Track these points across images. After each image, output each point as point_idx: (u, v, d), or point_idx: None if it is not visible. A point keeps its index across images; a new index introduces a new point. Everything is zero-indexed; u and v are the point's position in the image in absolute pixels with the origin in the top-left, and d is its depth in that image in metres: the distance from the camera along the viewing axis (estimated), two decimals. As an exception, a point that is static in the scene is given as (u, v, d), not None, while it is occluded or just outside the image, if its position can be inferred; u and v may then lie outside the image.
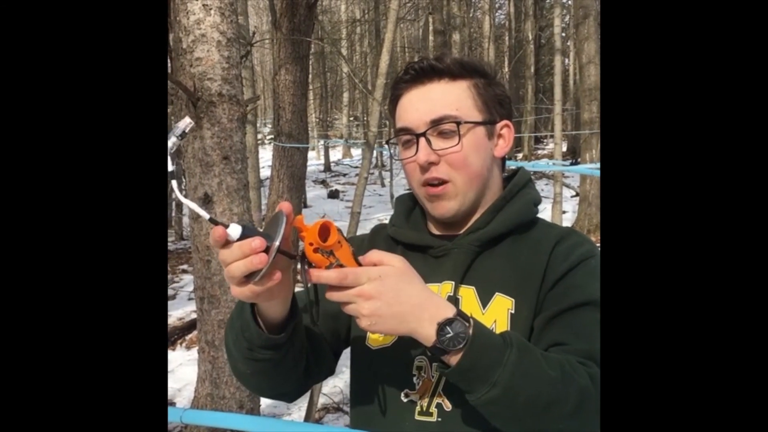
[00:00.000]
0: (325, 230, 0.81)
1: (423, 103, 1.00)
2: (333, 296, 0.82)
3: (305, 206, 11.75)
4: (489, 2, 15.35)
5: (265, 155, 16.10)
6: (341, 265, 0.82)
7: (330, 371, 1.08)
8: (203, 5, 2.60)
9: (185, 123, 0.82)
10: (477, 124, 1.01)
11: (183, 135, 0.81)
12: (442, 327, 0.81)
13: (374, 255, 0.84)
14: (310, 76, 17.12)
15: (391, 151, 1.12)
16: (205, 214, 0.78)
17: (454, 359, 0.82)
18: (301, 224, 0.82)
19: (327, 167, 17.63)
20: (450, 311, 0.82)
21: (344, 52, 15.85)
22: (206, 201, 2.66)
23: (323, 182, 15.46)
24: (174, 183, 0.78)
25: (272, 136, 6.07)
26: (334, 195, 13.06)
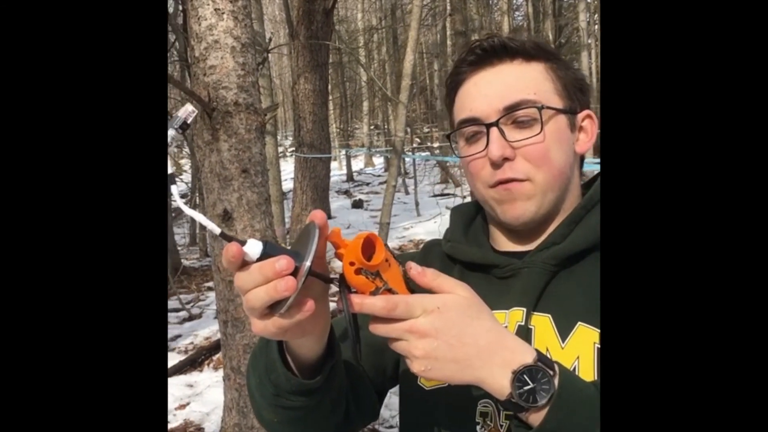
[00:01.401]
0: (369, 245, 0.66)
1: (494, 87, 0.83)
2: (378, 330, 0.66)
3: (330, 217, 11.60)
4: (507, 3, 15.13)
5: (287, 168, 16.00)
6: (390, 290, 0.66)
7: (374, 415, 0.91)
8: (215, 9, 2.45)
9: (186, 111, 0.66)
10: (559, 111, 0.82)
11: (185, 126, 0.65)
12: (518, 376, 0.64)
13: (432, 278, 0.67)
14: (330, 86, 17.11)
15: (452, 146, 0.93)
16: (214, 228, 0.62)
17: (535, 418, 0.64)
18: (338, 239, 0.65)
19: (350, 177, 17.50)
20: (529, 355, 0.65)
21: (362, 60, 15.73)
22: (226, 218, 2.50)
23: (346, 192, 15.32)
24: (174, 188, 0.63)
25: (293, 148, 5.93)
26: (358, 205, 12.90)
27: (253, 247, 0.61)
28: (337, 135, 19.77)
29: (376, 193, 13.81)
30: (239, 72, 2.49)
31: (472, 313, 0.66)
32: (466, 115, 0.84)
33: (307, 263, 0.61)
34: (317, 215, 0.64)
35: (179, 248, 8.50)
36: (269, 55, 5.45)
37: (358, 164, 20.24)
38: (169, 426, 3.87)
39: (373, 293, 0.66)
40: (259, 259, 0.61)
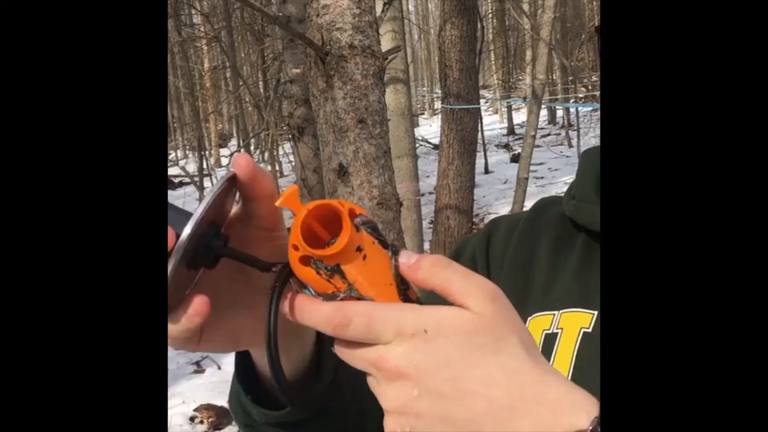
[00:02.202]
0: (326, 219, 0.43)
1: None
2: (340, 353, 0.44)
3: (487, 171, 11.19)
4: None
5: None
6: (359, 297, 0.43)
7: None
8: (328, -59, 2.21)
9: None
10: None
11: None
12: None
13: (431, 273, 0.42)
14: (491, 35, 16.43)
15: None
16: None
17: None
18: (293, 203, 0.43)
19: (510, 130, 16.86)
20: (583, 417, 0.39)
21: (525, 8, 14.84)
22: (341, 173, 2.31)
23: (506, 146, 14.76)
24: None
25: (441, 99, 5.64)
26: (517, 159, 12.36)
27: None
28: (499, 87, 19.10)
29: (538, 146, 13.15)
30: (354, 11, 2.25)
31: (485, 343, 0.40)
32: None
33: (184, 234, 0.42)
34: (239, 160, 0.44)
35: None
36: None
37: (520, 117, 19.44)
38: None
39: (329, 298, 0.43)
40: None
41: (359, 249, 0.42)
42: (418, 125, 15.72)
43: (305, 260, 0.42)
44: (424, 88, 27.85)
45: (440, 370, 0.39)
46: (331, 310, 0.41)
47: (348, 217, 0.42)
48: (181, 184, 10.64)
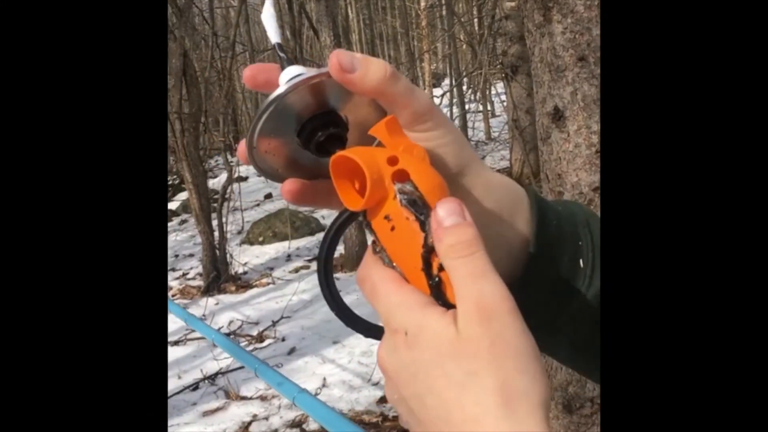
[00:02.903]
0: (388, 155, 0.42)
1: None
2: None
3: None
4: None
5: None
6: (390, 263, 0.41)
7: None
8: None
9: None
10: None
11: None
12: None
13: (446, 252, 0.39)
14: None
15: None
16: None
17: None
18: (383, 133, 0.43)
19: None
20: None
21: None
22: (556, 117, 2.10)
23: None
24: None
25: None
26: None
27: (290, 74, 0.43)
28: None
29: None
30: (579, -68, 1.98)
31: (452, 372, 0.36)
32: None
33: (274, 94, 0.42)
34: (332, 59, 0.42)
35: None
36: None
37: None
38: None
39: (376, 252, 0.43)
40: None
41: (387, 218, 0.40)
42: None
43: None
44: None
45: (409, 384, 0.38)
46: (362, 266, 0.43)
47: (383, 178, 0.39)
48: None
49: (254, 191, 10.98)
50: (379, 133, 0.42)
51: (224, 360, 4.25)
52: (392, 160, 0.40)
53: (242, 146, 0.45)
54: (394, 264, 0.41)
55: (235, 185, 7.10)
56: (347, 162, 0.41)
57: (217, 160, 13.29)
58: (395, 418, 3.32)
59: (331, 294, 0.43)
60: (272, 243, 7.56)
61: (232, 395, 3.89)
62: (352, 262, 6.14)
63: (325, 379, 3.87)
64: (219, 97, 9.35)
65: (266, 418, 3.60)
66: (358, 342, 4.35)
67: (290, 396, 1.23)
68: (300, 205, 0.48)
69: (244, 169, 11.44)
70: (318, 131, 0.44)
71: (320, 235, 7.63)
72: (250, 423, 3.59)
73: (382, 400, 3.53)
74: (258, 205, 10.00)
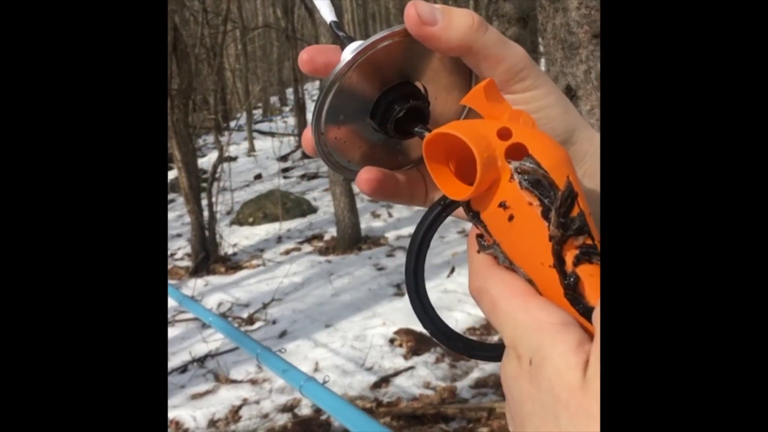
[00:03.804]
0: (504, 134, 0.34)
1: None
2: None
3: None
4: None
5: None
6: (509, 263, 0.34)
7: None
8: None
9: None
10: None
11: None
12: None
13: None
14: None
15: None
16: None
17: None
18: (479, 101, 0.35)
19: None
20: None
21: None
22: (569, 96, 2.02)
23: None
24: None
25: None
26: None
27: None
28: None
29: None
30: None
31: (581, 411, 0.30)
32: None
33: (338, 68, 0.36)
34: (408, 10, 0.36)
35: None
36: None
37: None
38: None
39: (481, 246, 0.36)
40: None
41: (503, 205, 0.32)
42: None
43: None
44: None
45: (525, 422, 0.33)
46: (473, 275, 0.36)
47: (495, 157, 0.32)
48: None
49: (244, 171, 10.88)
50: (475, 100, 0.35)
51: (214, 342, 4.18)
52: (504, 133, 0.33)
53: (307, 134, 0.38)
54: (513, 263, 0.34)
55: (225, 165, 6.99)
56: (445, 140, 0.34)
57: (205, 140, 13.15)
58: (390, 404, 3.27)
59: (423, 308, 0.37)
60: (262, 224, 7.47)
61: (221, 378, 3.83)
62: (344, 244, 6.06)
63: (317, 363, 3.81)
64: (208, 74, 9.19)
65: (257, 402, 3.54)
66: (351, 326, 4.29)
67: (296, 384, 1.16)
68: (378, 197, 0.41)
69: (234, 149, 11.31)
70: (395, 105, 0.38)
71: (312, 217, 7.56)
72: (240, 407, 3.52)
73: (376, 385, 3.48)
74: (248, 185, 9.89)
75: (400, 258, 5.58)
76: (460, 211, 0.37)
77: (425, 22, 0.35)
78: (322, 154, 0.39)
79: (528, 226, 0.32)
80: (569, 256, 0.31)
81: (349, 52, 0.36)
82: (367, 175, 0.40)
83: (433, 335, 0.37)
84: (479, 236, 0.36)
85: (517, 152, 0.32)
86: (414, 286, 0.37)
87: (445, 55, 0.38)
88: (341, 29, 0.39)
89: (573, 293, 0.31)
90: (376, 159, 0.41)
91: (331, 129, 0.38)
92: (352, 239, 6.13)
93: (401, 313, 4.28)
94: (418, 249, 0.37)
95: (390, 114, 0.38)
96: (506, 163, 0.32)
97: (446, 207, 0.36)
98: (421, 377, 3.48)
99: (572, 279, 0.31)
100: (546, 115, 0.37)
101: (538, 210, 0.32)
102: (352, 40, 0.38)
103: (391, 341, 3.95)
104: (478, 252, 0.36)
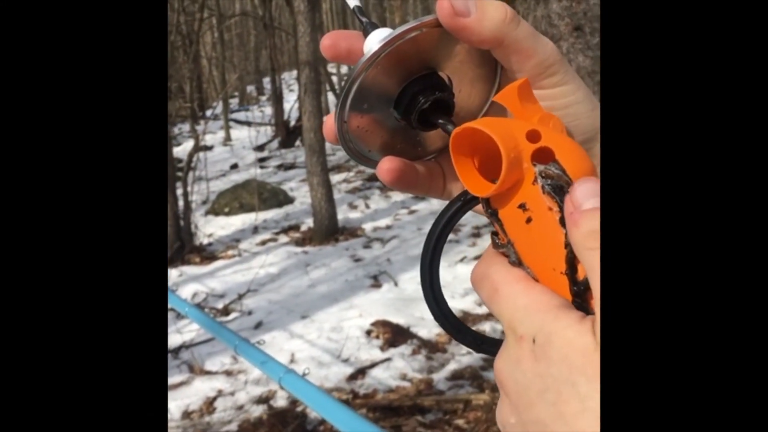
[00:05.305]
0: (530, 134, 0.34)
1: None
2: None
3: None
4: None
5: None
6: (518, 262, 0.34)
7: None
8: None
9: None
10: None
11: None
12: None
13: (582, 243, 0.32)
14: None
15: None
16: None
17: None
18: (511, 100, 0.35)
19: None
20: None
21: None
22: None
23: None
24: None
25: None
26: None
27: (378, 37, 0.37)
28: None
29: None
30: None
31: (587, 391, 0.29)
32: None
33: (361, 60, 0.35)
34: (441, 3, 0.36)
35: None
36: None
37: None
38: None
39: (494, 242, 0.36)
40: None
41: (523, 207, 0.33)
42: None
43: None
44: None
45: (533, 405, 0.32)
46: (479, 262, 0.37)
47: (521, 158, 0.32)
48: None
49: (219, 161, 10.77)
50: (508, 99, 0.35)
51: (188, 333, 4.14)
52: (533, 136, 0.33)
53: (329, 122, 0.38)
54: (524, 263, 0.34)
55: (201, 154, 6.91)
56: (472, 135, 0.33)
57: (180, 128, 12.99)
58: (366, 396, 3.26)
59: (435, 300, 0.37)
60: (238, 214, 7.41)
61: (196, 369, 3.79)
62: (321, 235, 6.04)
63: (293, 354, 3.79)
64: (184, 62, 9.07)
65: (232, 394, 3.51)
66: (328, 317, 4.27)
67: (276, 377, 1.15)
68: (398, 187, 0.41)
69: (210, 138, 11.19)
70: (419, 96, 0.37)
71: (288, 207, 7.52)
72: (215, 398, 3.49)
73: (352, 377, 3.47)
74: (224, 175, 9.80)
75: (377, 249, 5.57)
76: (479, 206, 0.37)
77: (458, 13, 0.35)
78: (343, 142, 0.39)
79: (545, 230, 0.32)
80: (582, 266, 0.31)
81: (376, 42, 0.36)
82: (388, 164, 0.39)
83: (443, 327, 0.37)
84: (494, 234, 0.36)
85: (544, 156, 0.33)
86: (429, 279, 0.37)
87: (474, 47, 0.37)
88: (364, 15, 0.39)
89: (581, 301, 0.32)
90: (396, 149, 0.41)
91: (354, 117, 0.38)
92: (329, 230, 6.10)
93: (378, 305, 4.28)
94: (435, 242, 0.37)
95: (415, 105, 0.37)
96: (531, 166, 0.32)
97: (467, 203, 0.37)
98: (397, 369, 3.48)
99: (581, 287, 0.32)
100: (574, 112, 0.37)
101: (557, 216, 0.32)
102: (375, 26, 0.38)
103: (368, 333, 3.94)
104: (495, 248, 0.36)
